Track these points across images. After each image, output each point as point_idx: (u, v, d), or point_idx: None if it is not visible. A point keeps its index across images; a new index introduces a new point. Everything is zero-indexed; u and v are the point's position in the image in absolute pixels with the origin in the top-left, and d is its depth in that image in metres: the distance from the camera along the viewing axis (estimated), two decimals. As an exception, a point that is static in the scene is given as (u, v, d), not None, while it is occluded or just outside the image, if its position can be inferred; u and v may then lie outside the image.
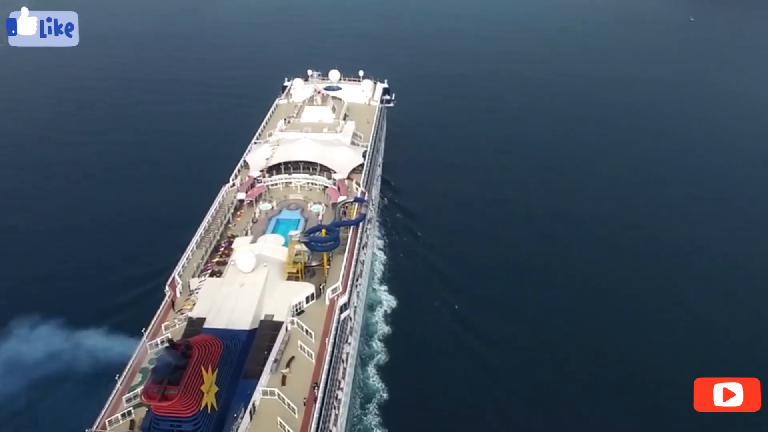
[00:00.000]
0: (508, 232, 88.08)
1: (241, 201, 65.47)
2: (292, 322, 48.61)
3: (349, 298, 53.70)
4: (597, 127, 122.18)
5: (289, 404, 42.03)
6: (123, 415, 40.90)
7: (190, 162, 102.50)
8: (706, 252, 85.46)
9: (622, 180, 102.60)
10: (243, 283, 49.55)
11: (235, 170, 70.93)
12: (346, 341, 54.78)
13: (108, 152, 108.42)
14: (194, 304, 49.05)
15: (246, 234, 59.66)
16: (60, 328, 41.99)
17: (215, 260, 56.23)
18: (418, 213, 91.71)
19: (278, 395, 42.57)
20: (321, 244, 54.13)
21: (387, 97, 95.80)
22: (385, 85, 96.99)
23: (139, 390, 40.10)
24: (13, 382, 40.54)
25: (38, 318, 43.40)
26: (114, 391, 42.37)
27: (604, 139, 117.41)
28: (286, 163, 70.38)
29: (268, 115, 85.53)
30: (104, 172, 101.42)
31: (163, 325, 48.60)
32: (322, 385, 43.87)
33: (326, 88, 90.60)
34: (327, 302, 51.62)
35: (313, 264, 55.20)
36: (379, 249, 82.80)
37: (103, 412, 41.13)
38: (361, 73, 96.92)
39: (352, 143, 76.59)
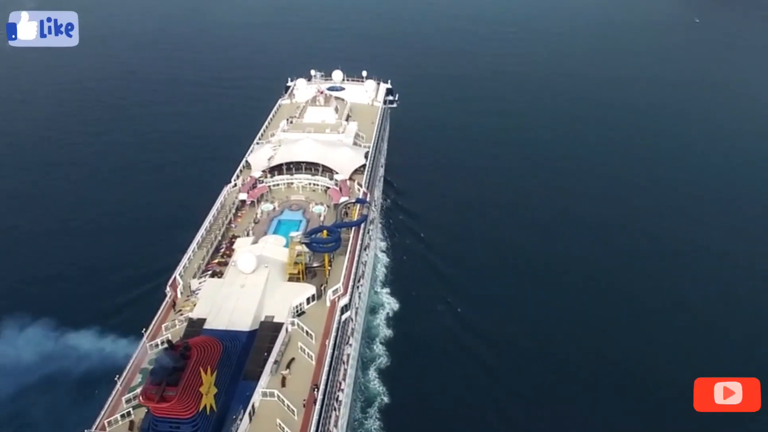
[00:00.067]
0: (510, 233, 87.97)
1: (243, 201, 65.31)
2: (293, 324, 48.44)
3: (350, 300, 53.50)
4: (600, 127, 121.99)
5: (288, 406, 41.87)
6: (122, 416, 40.83)
7: (192, 162, 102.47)
8: (706, 252, 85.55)
9: (623, 181, 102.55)
10: (244, 284, 49.45)
11: (237, 170, 70.81)
12: (347, 342, 54.67)
13: (109, 152, 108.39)
14: (194, 305, 48.98)
15: (247, 235, 59.50)
16: (59, 328, 41.91)
17: (216, 261, 56.13)
18: (421, 214, 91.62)
19: (278, 397, 42.41)
20: (322, 245, 53.91)
21: (390, 97, 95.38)
22: (389, 85, 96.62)
23: (138, 391, 40.02)
24: (13, 383, 40.54)
25: (36, 319, 43.28)
26: (113, 392, 42.31)
27: (606, 139, 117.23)
28: (288, 164, 70.19)
29: (270, 116, 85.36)
30: (105, 173, 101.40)
31: (163, 326, 48.50)
32: (322, 387, 43.73)
33: (329, 89, 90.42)
34: (328, 304, 51.45)
35: (314, 265, 55.03)
36: (382, 251, 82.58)
37: (102, 412, 41.08)
38: (364, 73, 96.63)
39: (355, 144, 76.41)
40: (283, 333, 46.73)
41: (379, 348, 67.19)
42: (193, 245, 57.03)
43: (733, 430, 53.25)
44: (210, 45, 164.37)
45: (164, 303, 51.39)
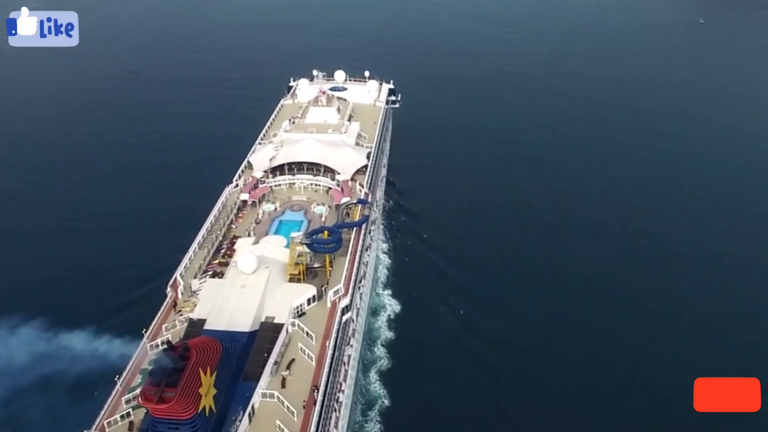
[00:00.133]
0: (512, 234, 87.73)
1: (245, 202, 65.27)
2: (293, 324, 48.39)
3: (351, 301, 53.45)
4: (602, 128, 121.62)
5: (288, 407, 41.78)
6: (122, 417, 40.83)
7: (194, 163, 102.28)
8: (707, 252, 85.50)
9: (625, 181, 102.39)
10: (244, 285, 49.43)
11: (239, 171, 70.78)
12: (348, 343, 54.56)
13: (110, 152, 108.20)
14: (194, 306, 48.95)
15: (248, 235, 59.47)
16: (58, 329, 41.85)
17: (217, 261, 56.09)
18: (424, 215, 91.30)
19: (278, 398, 42.34)
20: (323, 246, 53.79)
21: (393, 98, 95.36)
22: (391, 85, 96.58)
23: (138, 391, 39.95)
24: (12, 383, 40.50)
25: (35, 319, 43.21)
26: (113, 393, 42.31)
27: (609, 140, 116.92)
28: (290, 164, 70.18)
29: (272, 116, 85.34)
30: (106, 173, 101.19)
31: (163, 327, 48.47)
32: (321, 388, 43.63)
33: (332, 89, 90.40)
34: (328, 304, 51.38)
35: (315, 266, 54.96)
36: (384, 252, 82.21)
37: (102, 413, 41.08)
38: (366, 73, 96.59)
39: (357, 144, 76.35)
40: (283, 334, 46.67)
41: (380, 350, 66.81)
42: (194, 245, 57.01)
43: (733, 430, 53.33)
44: (212, 45, 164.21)
45: (165, 303, 51.37)
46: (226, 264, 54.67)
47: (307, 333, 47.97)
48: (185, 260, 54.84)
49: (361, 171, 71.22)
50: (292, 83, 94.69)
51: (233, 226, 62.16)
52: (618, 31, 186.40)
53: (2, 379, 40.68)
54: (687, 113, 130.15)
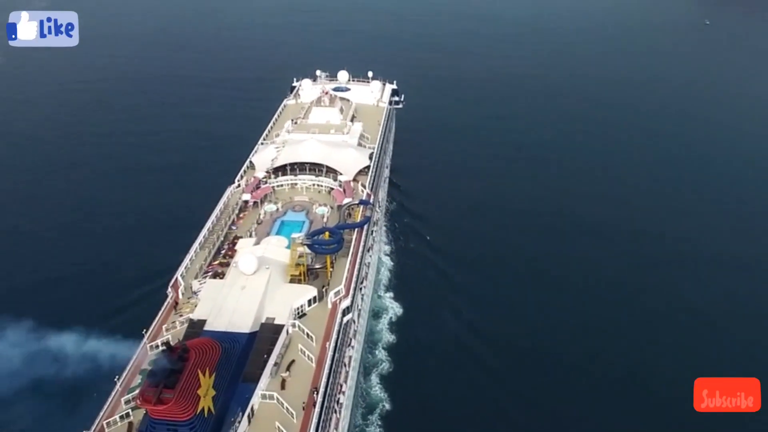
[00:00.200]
0: (516, 236, 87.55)
1: (246, 202, 65.20)
2: (294, 326, 48.26)
3: (352, 302, 53.28)
4: (607, 130, 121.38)
5: (288, 408, 41.63)
6: (121, 417, 40.76)
7: (195, 163, 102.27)
8: (707, 252, 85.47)
9: (628, 182, 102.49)
10: (244, 286, 49.33)
11: (241, 171, 70.73)
12: (349, 344, 54.40)
13: (110, 153, 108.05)
14: (195, 306, 48.88)
15: (250, 235, 59.36)
16: (58, 329, 41.80)
17: (218, 262, 56.01)
18: (427, 216, 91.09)
19: (277, 399, 42.20)
20: (324, 247, 53.61)
21: (396, 98, 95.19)
22: (394, 86, 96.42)
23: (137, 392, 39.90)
24: (11, 383, 40.47)
25: (34, 319, 43.23)
26: (113, 393, 42.23)
27: (613, 142, 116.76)
28: (292, 165, 70.07)
29: (275, 116, 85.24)
30: (107, 173, 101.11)
31: (164, 327, 48.40)
32: (321, 390, 43.48)
33: (335, 89, 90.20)
34: (329, 306, 51.22)
35: (316, 267, 54.81)
36: (386, 254, 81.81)
37: (101, 413, 41.01)
38: (370, 74, 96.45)
39: (359, 145, 76.16)
40: (283, 335, 46.54)
41: (381, 353, 66.42)
42: (196, 246, 56.90)
43: (733, 430, 53.33)
44: (215, 45, 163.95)
45: (165, 304, 51.27)
46: (227, 264, 54.55)
47: (308, 334, 47.83)
48: (186, 260, 54.72)
49: (363, 172, 71.04)
50: (295, 83, 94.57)
51: (233, 227, 62.04)
52: (622, 32, 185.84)
53: (2, 379, 40.65)
54: (690, 114, 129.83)
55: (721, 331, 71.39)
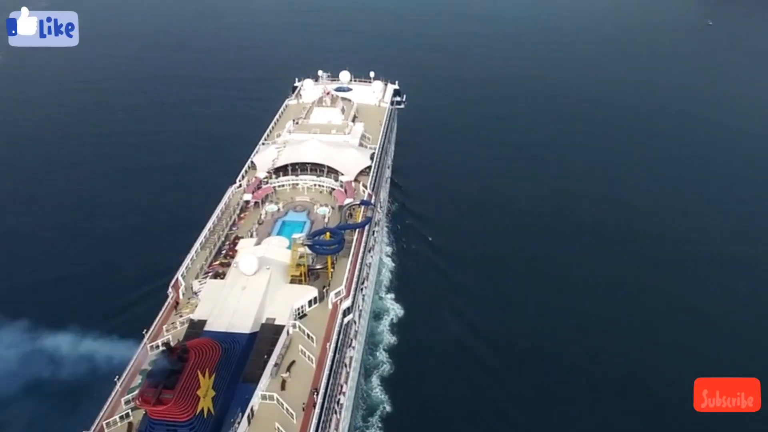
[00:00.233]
0: (518, 237, 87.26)
1: (247, 202, 65.17)
2: (294, 326, 48.19)
3: (353, 302, 53.19)
4: (607, 130, 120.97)
5: (287, 409, 41.56)
6: (121, 417, 40.72)
7: (197, 163, 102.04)
8: (707, 252, 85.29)
9: (626, 182, 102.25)
10: (245, 286, 49.28)
11: (242, 171, 70.68)
12: (350, 345, 54.30)
13: (111, 153, 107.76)
14: (195, 307, 48.83)
15: (251, 236, 59.31)
16: (58, 329, 41.81)
17: (218, 262, 55.95)
18: (429, 217, 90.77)
19: (277, 400, 42.13)
20: (325, 247, 53.57)
21: (398, 98, 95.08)
22: (396, 86, 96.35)
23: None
24: (11, 384, 40.48)
25: (33, 319, 43.27)
26: (113, 393, 42.17)
27: (614, 142, 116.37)
28: (293, 165, 70.01)
29: (277, 116, 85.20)
30: (108, 173, 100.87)
31: (164, 327, 48.36)
32: (321, 391, 43.39)
33: (337, 89, 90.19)
34: (330, 306, 51.14)
35: (317, 267, 54.72)
36: (387, 256, 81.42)
37: (101, 413, 40.95)
38: (372, 74, 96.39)
39: (361, 145, 76.09)
40: (283, 335, 46.48)
41: (382, 355, 66.04)
42: (196, 246, 56.82)
43: (733, 430, 53.20)
44: (215, 45, 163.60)
45: (166, 304, 51.22)
46: (228, 265, 54.46)
47: (308, 335, 47.75)
48: (187, 261, 54.64)
49: (364, 172, 70.95)
50: (297, 83, 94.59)
51: (234, 228, 61.95)
52: (623, 33, 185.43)
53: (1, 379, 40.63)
54: (690, 114, 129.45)
55: (721, 331, 71.27)
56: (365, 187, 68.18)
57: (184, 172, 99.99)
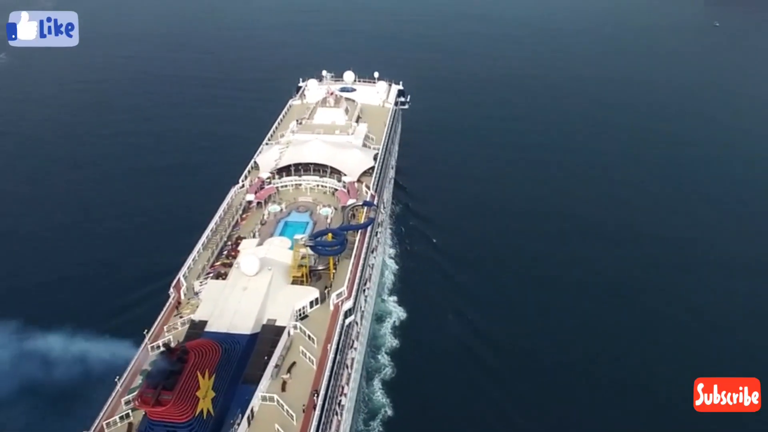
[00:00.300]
0: (522, 238, 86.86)
1: (250, 202, 65.08)
2: (295, 327, 48.03)
3: (355, 304, 53.02)
4: (612, 132, 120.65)
5: (288, 410, 41.40)
6: (121, 418, 40.64)
7: (199, 163, 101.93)
8: (707, 252, 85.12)
9: (626, 183, 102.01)
10: (246, 287, 49.05)
11: (245, 171, 70.55)
12: (351, 346, 54.13)
13: (112, 153, 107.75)
14: (196, 307, 48.73)
15: (253, 236, 59.19)
16: (58, 329, 41.73)
17: (220, 262, 55.84)
18: (433, 218, 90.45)
19: (277, 401, 41.98)
20: (327, 248, 53.42)
21: (402, 99, 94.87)
22: (400, 86, 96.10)
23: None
24: (11, 384, 40.41)
25: (33, 319, 43.22)
26: (113, 394, 42.11)
27: (618, 143, 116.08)
28: (296, 165, 69.87)
29: (280, 116, 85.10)
30: (109, 173, 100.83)
31: (165, 328, 48.28)
32: (322, 392, 43.23)
33: (341, 90, 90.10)
34: (331, 307, 50.97)
35: (319, 268, 54.55)
36: (390, 257, 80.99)
37: (101, 414, 40.90)
38: (376, 74, 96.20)
39: (364, 145, 75.90)
40: (284, 337, 46.28)
41: (384, 358, 65.72)
42: (198, 246, 56.72)
43: (733, 430, 52.96)
44: (217, 45, 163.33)
45: (167, 304, 51.13)
46: (230, 265, 54.32)
47: (309, 336, 47.57)
48: (189, 261, 54.51)
49: (367, 172, 70.73)
50: (301, 84, 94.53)
51: (237, 228, 61.85)
52: (630, 34, 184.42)
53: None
54: (694, 115, 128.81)
55: (721, 331, 71.12)
56: (368, 187, 68.01)
57: (187, 172, 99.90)
